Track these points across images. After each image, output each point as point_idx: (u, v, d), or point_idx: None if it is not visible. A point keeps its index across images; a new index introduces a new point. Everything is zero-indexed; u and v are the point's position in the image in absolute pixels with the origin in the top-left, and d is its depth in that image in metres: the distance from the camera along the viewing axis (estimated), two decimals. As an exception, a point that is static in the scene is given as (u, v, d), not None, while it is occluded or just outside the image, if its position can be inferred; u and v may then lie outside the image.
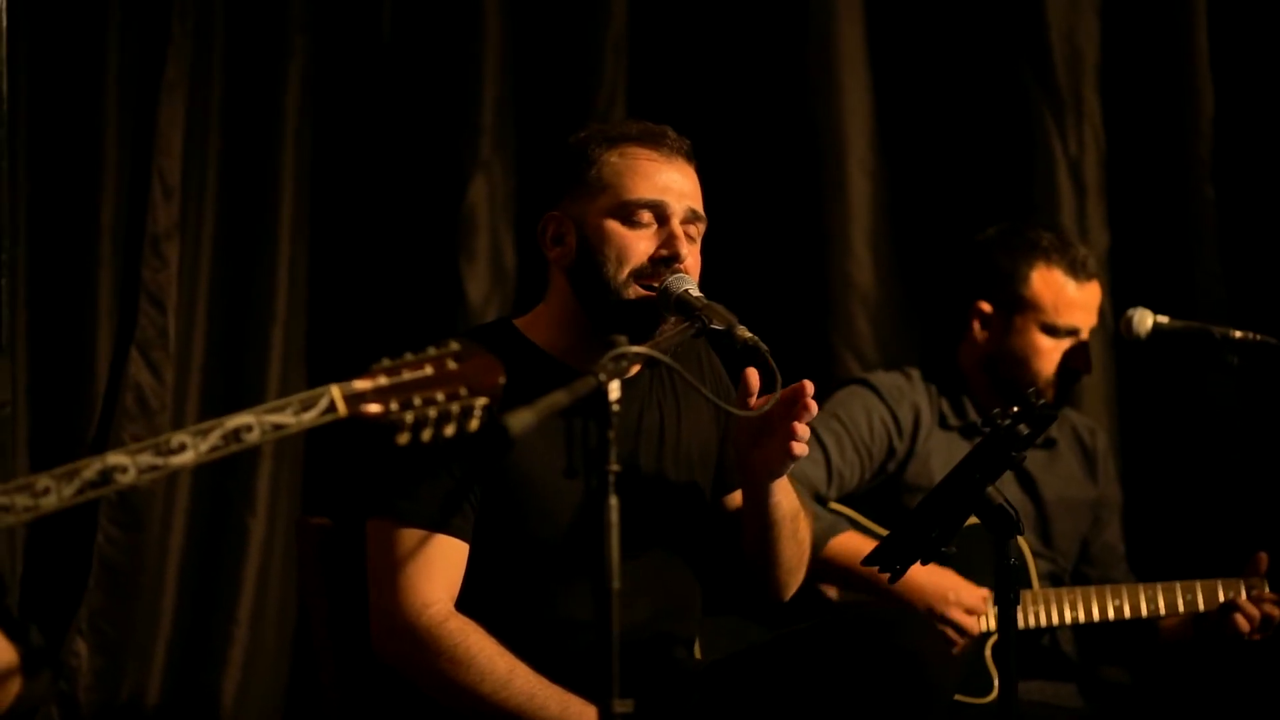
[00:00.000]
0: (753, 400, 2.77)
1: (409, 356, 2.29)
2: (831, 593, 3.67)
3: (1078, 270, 3.80)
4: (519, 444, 2.33)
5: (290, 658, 3.99)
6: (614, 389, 2.38)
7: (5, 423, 3.61)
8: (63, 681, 3.65)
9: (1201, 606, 3.74)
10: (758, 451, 2.83)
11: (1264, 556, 3.74)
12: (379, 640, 2.77)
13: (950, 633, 3.55)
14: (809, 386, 2.76)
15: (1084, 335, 3.81)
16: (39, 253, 3.73)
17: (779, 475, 2.85)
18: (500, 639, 2.73)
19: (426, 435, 2.28)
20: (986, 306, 3.86)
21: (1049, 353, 3.79)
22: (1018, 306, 3.81)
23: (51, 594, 3.71)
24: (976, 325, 3.88)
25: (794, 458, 2.78)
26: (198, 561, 3.91)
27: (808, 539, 3.01)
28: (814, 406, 2.77)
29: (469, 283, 4.10)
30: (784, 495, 2.89)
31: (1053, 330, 3.79)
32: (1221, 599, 3.73)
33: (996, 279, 3.84)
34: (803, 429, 2.77)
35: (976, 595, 3.60)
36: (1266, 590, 3.72)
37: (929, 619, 3.53)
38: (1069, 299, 3.79)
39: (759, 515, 2.90)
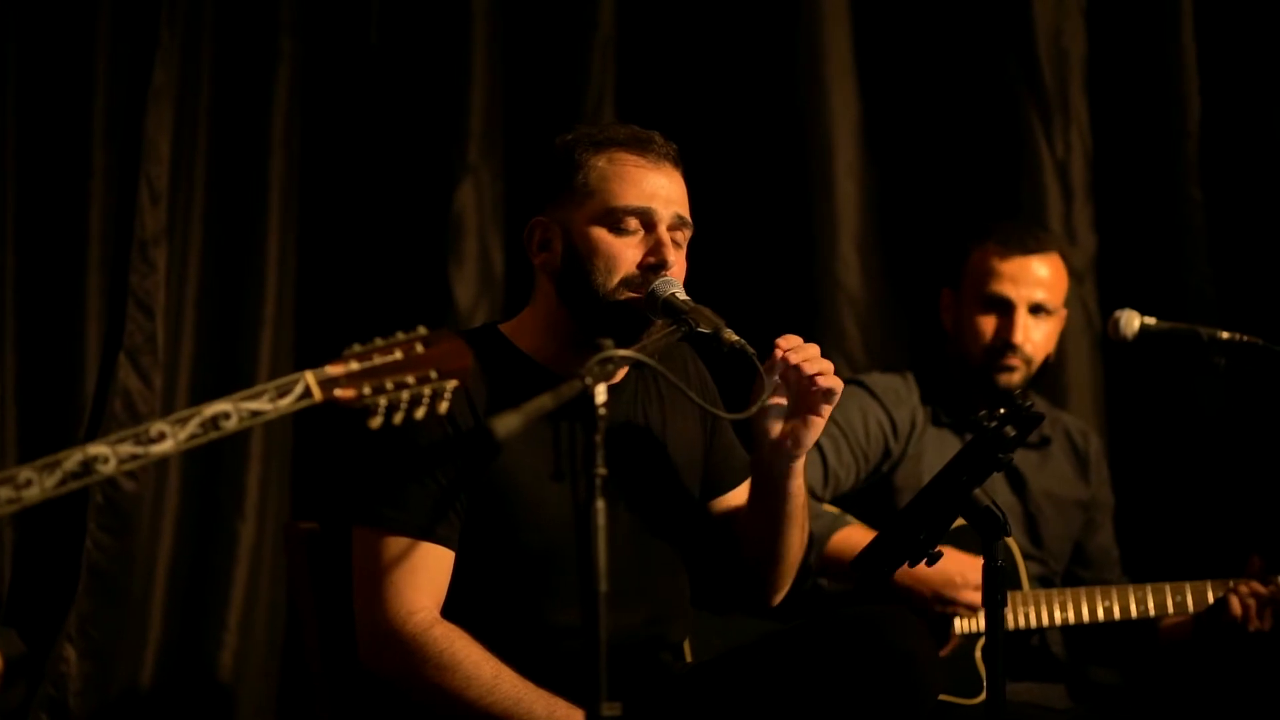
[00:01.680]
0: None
1: (379, 342, 2.34)
2: (830, 585, 3.67)
3: (1011, 243, 3.81)
4: (505, 449, 2.34)
5: (280, 662, 3.99)
6: (600, 392, 2.38)
7: (-6, 429, 3.62)
8: (51, 686, 3.65)
9: (1191, 608, 3.73)
10: (787, 428, 2.80)
11: (1257, 559, 3.73)
12: (365, 648, 2.76)
13: (963, 615, 3.59)
14: (781, 341, 2.77)
15: (1020, 311, 3.77)
16: (27, 258, 3.73)
17: (806, 446, 2.81)
18: (489, 645, 2.73)
19: (398, 419, 2.33)
20: (947, 294, 3.89)
21: (982, 325, 3.79)
22: (960, 284, 3.85)
23: (40, 600, 3.70)
24: (943, 314, 3.90)
25: (831, 394, 2.76)
26: (187, 567, 3.90)
27: (807, 534, 3.00)
28: (796, 340, 2.76)
29: (457, 287, 4.10)
30: (801, 483, 2.88)
31: (984, 301, 3.79)
32: (1211, 601, 3.73)
33: (954, 264, 3.88)
34: (812, 365, 2.75)
35: None
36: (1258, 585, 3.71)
37: (936, 604, 3.57)
38: (993, 268, 3.79)
39: (776, 506, 2.87)
